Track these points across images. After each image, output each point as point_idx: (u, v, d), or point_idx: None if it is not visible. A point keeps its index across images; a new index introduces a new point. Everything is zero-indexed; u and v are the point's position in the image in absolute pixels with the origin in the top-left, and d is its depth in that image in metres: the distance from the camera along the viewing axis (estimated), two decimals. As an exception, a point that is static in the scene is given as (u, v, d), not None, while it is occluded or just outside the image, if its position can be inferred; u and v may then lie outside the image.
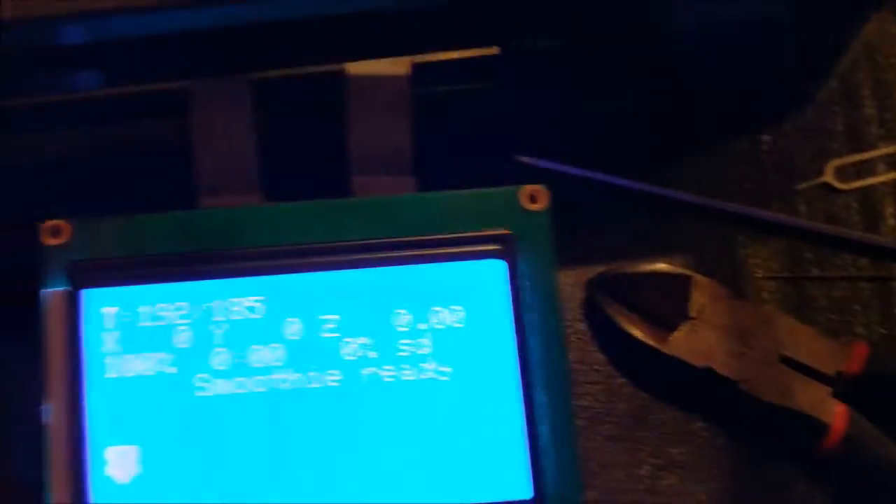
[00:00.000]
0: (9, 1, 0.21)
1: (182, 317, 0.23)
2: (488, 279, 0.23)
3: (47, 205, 0.25)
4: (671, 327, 0.25)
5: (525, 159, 0.28)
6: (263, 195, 0.26)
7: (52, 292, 0.23)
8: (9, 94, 0.25)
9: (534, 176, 0.27)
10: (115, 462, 0.22)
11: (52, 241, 0.24)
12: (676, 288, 0.26)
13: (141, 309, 0.23)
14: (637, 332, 0.25)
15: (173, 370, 0.23)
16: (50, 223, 0.24)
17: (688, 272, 0.26)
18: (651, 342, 0.25)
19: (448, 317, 0.23)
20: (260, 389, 0.23)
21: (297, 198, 0.25)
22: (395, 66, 0.26)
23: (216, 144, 0.25)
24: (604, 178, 0.27)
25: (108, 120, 0.27)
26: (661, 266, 0.26)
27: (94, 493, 0.22)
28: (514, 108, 0.28)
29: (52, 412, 0.23)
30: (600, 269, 0.27)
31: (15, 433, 0.25)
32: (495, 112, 0.28)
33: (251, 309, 0.23)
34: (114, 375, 0.23)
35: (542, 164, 0.28)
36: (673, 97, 0.28)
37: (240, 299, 0.23)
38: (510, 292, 0.23)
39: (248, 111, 0.26)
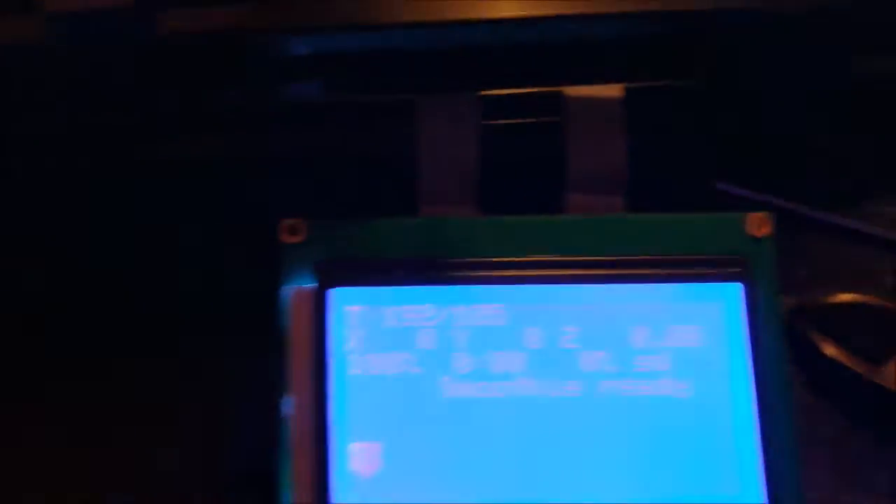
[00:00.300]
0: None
1: (426, 319, 0.24)
2: (726, 301, 0.24)
3: (278, 205, 0.26)
4: (876, 358, 0.26)
5: (724, 187, 0.29)
6: (479, 207, 0.27)
7: (299, 289, 0.24)
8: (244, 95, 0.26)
9: (727, 203, 0.28)
10: (358, 458, 0.23)
11: (290, 239, 0.25)
12: (880, 319, 0.27)
13: (386, 309, 0.24)
14: (845, 360, 0.26)
15: (417, 371, 0.23)
16: (288, 221, 0.25)
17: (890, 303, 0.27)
18: (860, 370, 0.26)
19: (685, 336, 0.24)
20: (500, 395, 0.23)
21: (509, 211, 0.26)
22: (609, 90, 0.27)
23: (440, 156, 0.26)
24: (806, 211, 0.28)
25: (335, 124, 0.27)
26: (861, 297, 0.27)
27: (337, 487, 0.23)
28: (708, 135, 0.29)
29: (294, 406, 0.23)
30: (797, 297, 0.28)
31: (241, 426, 0.26)
32: (691, 137, 0.29)
33: (493, 316, 0.24)
34: (358, 373, 0.23)
35: (739, 192, 0.29)
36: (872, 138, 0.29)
37: (482, 306, 0.24)
38: (747, 315, 0.24)
39: (474, 126, 0.26)
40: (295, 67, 0.26)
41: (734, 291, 0.24)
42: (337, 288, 0.24)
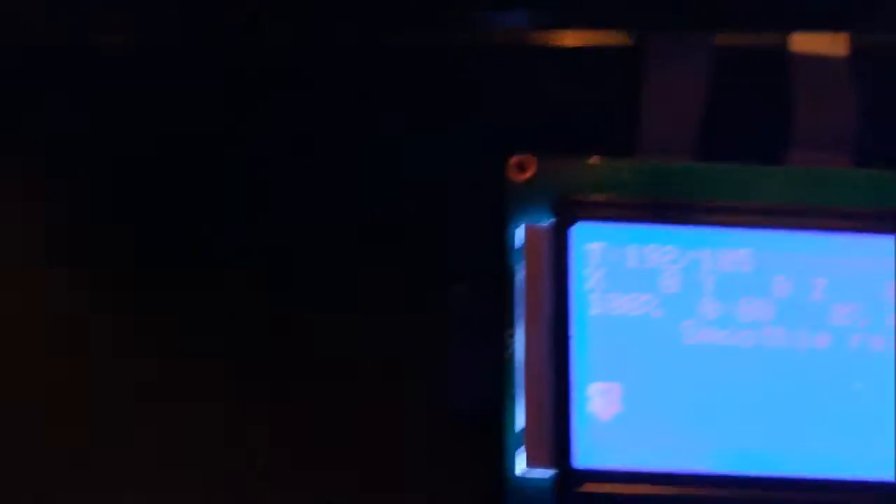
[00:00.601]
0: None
1: (670, 262, 0.23)
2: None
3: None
4: None
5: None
6: (696, 155, 0.26)
7: (533, 226, 0.23)
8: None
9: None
10: (597, 398, 0.22)
11: (518, 176, 0.24)
12: None
13: (628, 249, 0.23)
14: None
15: (659, 313, 0.22)
16: (517, 158, 0.24)
17: None
18: None
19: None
20: (747, 344, 0.22)
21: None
22: (836, 45, 0.26)
23: (665, 101, 0.26)
24: None
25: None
26: None
27: (576, 427, 0.22)
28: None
29: (527, 346, 0.22)
30: None
31: (462, 365, 0.25)
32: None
33: (740, 262, 0.23)
34: (598, 312, 0.23)
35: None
36: None
37: (729, 251, 0.23)
38: None
39: (704, 71, 0.26)
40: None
41: None
42: (579, 224, 0.23)
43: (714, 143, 0.25)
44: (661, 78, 0.25)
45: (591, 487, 0.22)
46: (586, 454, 0.22)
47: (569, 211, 0.23)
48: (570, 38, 0.27)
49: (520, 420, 0.22)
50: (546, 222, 0.23)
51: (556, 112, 0.26)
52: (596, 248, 0.23)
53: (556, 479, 0.22)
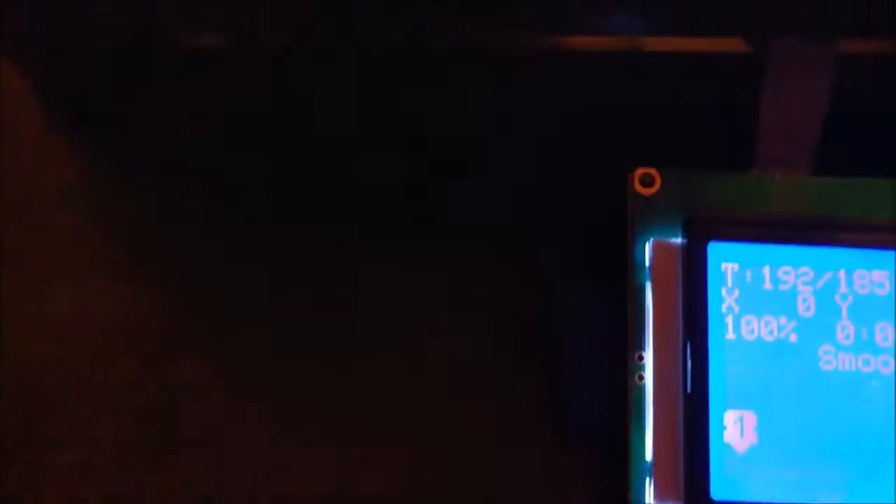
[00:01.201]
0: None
1: (805, 283, 0.22)
2: None
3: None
4: None
5: None
6: (813, 168, 0.25)
7: (666, 243, 0.22)
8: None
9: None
10: (732, 427, 0.21)
11: (644, 191, 0.23)
12: None
13: (762, 270, 0.22)
14: None
15: (794, 337, 0.22)
16: (642, 170, 0.23)
17: None
18: None
19: None
20: (886, 370, 0.22)
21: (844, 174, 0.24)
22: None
23: (785, 111, 0.24)
24: None
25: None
26: None
27: (713, 458, 0.21)
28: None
29: (655, 366, 0.22)
30: None
31: (580, 381, 0.24)
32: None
33: (879, 284, 0.22)
34: (733, 337, 0.22)
35: None
36: None
37: (867, 272, 0.22)
38: None
39: (828, 80, 0.25)
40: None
41: None
42: (714, 243, 0.22)
43: (836, 155, 0.25)
44: (783, 87, 0.24)
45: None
46: (722, 487, 0.21)
47: (702, 229, 0.22)
48: (690, 44, 0.25)
49: (648, 449, 0.21)
50: (675, 239, 0.22)
51: (675, 123, 0.25)
52: (730, 269, 0.22)
53: (690, 512, 0.21)
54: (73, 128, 0.26)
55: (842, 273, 0.22)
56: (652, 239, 0.22)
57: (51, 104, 0.26)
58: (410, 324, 0.24)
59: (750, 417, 0.21)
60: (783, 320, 0.22)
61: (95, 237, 0.25)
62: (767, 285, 0.22)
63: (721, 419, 0.21)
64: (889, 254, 0.22)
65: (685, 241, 0.22)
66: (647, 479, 0.21)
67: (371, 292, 0.24)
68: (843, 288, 0.22)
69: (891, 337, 0.22)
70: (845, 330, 0.22)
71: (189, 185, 0.25)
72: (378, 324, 0.24)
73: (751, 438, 0.21)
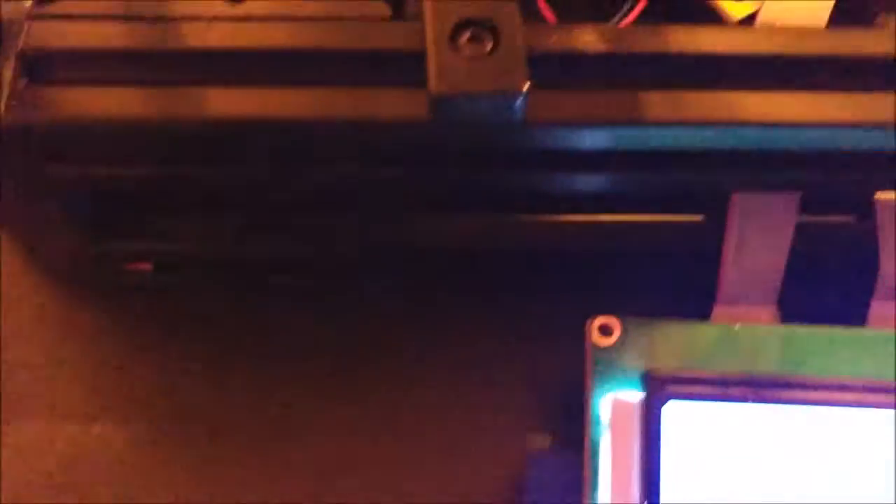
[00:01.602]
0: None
1: (767, 443, 0.22)
2: None
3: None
4: None
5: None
6: (778, 309, 0.25)
7: (623, 401, 0.22)
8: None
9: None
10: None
11: (602, 341, 0.23)
12: None
13: (724, 429, 0.22)
14: None
15: (757, 498, 0.21)
16: (600, 320, 0.23)
17: None
18: None
19: None
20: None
21: (809, 318, 0.24)
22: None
23: (747, 255, 0.25)
24: None
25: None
26: None
27: None
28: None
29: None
30: None
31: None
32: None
33: (845, 444, 0.22)
34: (691, 498, 0.21)
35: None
36: None
37: (834, 431, 0.22)
38: None
39: (789, 227, 0.25)
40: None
41: None
42: (672, 400, 0.22)
43: (800, 302, 0.25)
44: (745, 237, 0.24)
45: None
46: None
47: (661, 387, 0.22)
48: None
49: None
50: (634, 395, 0.22)
51: (637, 273, 0.25)
52: (689, 428, 0.22)
53: None
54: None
55: (808, 432, 0.22)
56: (609, 395, 0.22)
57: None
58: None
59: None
60: (743, 480, 0.22)
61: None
62: (728, 445, 0.22)
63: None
64: (857, 413, 0.22)
65: (643, 397, 0.22)
66: None
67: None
68: (808, 447, 0.22)
69: (861, 496, 0.22)
70: (810, 489, 0.22)
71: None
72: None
73: None
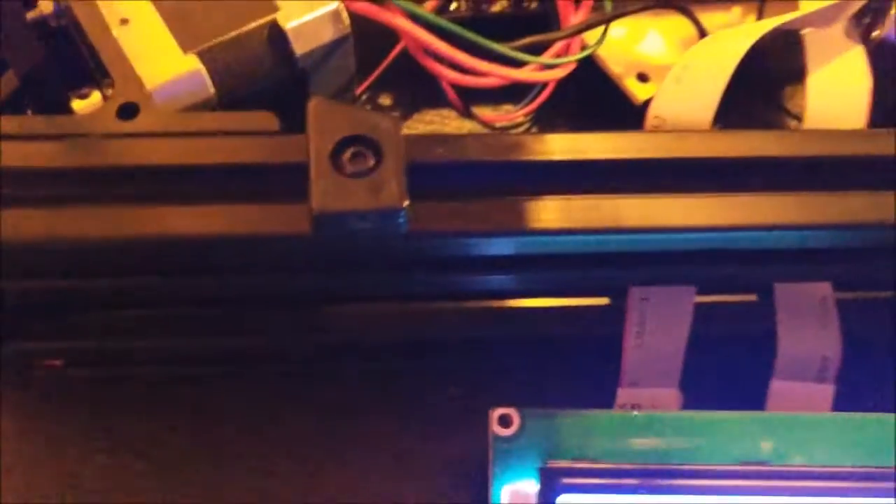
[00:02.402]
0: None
1: (657, 532, 0.22)
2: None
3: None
4: None
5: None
6: (680, 390, 0.26)
7: (520, 492, 0.23)
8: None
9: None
10: None
11: (502, 431, 0.23)
12: None
13: (615, 519, 0.22)
14: None
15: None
16: (500, 411, 0.24)
17: None
18: None
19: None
20: None
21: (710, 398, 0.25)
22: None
23: (649, 342, 0.25)
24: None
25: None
26: None
27: None
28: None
29: None
30: None
31: None
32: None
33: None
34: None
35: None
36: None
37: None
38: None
39: (688, 316, 0.25)
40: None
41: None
42: (565, 494, 0.22)
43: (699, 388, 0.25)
44: (644, 325, 0.25)
45: None
46: None
47: (555, 479, 0.22)
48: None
49: None
50: (532, 485, 0.23)
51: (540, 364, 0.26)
52: (581, 519, 0.22)
53: None
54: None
55: (696, 520, 0.22)
56: (508, 485, 0.23)
57: None
58: None
59: None
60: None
61: None
62: (622, 534, 0.22)
63: None
64: (744, 497, 0.23)
65: (538, 489, 0.22)
66: None
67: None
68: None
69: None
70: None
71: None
72: None
73: None
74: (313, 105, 0.20)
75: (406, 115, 0.30)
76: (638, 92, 0.29)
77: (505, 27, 0.29)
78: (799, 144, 0.23)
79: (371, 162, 0.20)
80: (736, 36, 0.25)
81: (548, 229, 0.21)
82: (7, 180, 0.20)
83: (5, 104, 0.24)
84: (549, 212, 0.21)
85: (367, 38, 0.26)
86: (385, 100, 0.31)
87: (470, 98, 0.29)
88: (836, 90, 0.25)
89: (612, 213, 0.21)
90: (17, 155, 0.20)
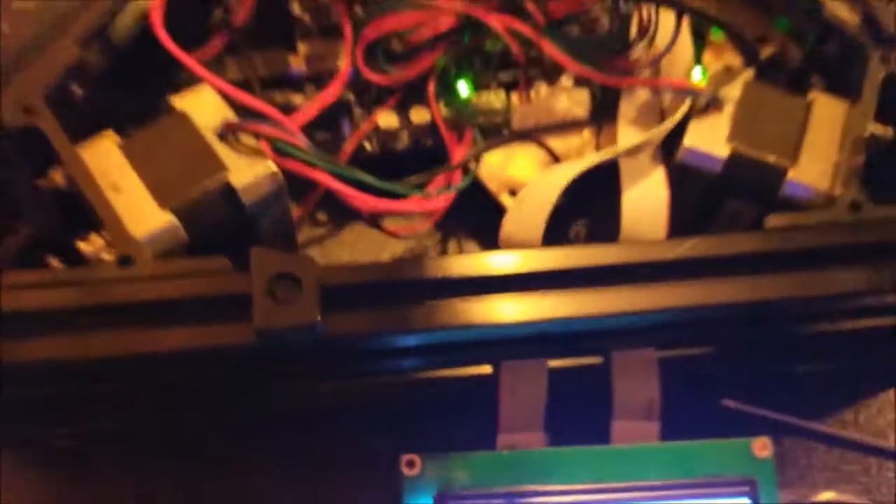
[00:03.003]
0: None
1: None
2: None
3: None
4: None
5: (731, 403, 0.37)
6: (545, 435, 0.34)
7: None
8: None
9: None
10: None
11: (409, 472, 0.32)
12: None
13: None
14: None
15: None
16: (407, 456, 0.32)
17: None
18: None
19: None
20: None
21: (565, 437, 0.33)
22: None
23: (519, 398, 0.34)
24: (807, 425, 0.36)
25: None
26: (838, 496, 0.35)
27: None
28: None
29: None
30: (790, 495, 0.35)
31: None
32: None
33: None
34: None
35: (748, 408, 0.36)
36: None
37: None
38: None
39: (544, 380, 0.34)
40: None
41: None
42: (452, 513, 0.31)
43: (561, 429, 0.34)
44: (511, 388, 0.34)
45: None
46: None
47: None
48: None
49: None
50: (429, 510, 0.31)
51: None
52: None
53: None
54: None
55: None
56: (411, 511, 0.31)
57: None
58: None
59: None
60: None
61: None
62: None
63: None
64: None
65: (434, 511, 0.31)
66: None
67: None
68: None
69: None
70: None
71: None
72: None
73: None
74: (253, 252, 0.29)
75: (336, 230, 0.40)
76: (508, 203, 0.38)
77: (409, 158, 0.38)
78: (614, 254, 0.32)
79: (295, 291, 0.28)
80: (561, 171, 0.34)
81: (432, 327, 0.30)
82: (33, 317, 0.29)
83: (24, 249, 0.32)
84: (432, 314, 0.30)
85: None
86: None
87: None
88: (643, 205, 0.34)
89: (480, 313, 0.30)
90: (42, 298, 0.29)
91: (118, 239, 0.31)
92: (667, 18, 0.36)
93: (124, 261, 0.30)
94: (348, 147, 0.38)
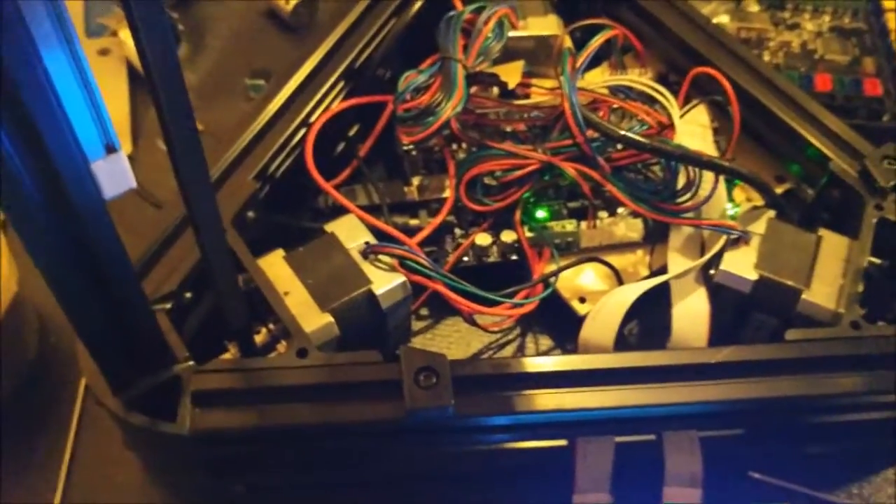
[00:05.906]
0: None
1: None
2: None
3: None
4: None
5: (757, 475, 0.45)
6: (611, 496, 0.43)
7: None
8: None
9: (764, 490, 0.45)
10: None
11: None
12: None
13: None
14: None
15: None
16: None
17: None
18: None
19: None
20: None
21: (627, 499, 0.42)
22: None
23: (590, 465, 0.43)
24: (820, 495, 0.45)
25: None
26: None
27: None
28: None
29: None
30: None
31: None
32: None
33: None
34: None
35: (771, 480, 0.45)
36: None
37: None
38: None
39: (610, 451, 0.43)
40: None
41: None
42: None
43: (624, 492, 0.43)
44: (586, 458, 0.43)
45: None
46: None
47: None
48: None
49: None
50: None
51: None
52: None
53: None
54: None
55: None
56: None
57: None
58: None
59: None
60: None
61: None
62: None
63: None
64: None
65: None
66: None
67: None
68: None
69: None
70: None
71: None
72: None
73: None
74: (403, 351, 0.38)
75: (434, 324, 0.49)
76: (579, 309, 0.48)
77: (498, 270, 0.48)
78: (668, 358, 0.41)
79: (433, 379, 0.38)
80: (626, 292, 0.43)
81: (533, 410, 0.39)
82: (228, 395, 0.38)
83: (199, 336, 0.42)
84: (534, 400, 0.39)
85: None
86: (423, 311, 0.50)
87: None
88: (689, 317, 0.44)
89: (568, 400, 0.39)
90: (239, 379, 0.38)
91: (296, 333, 0.40)
92: (707, 174, 0.46)
93: (301, 353, 0.39)
94: (451, 259, 0.48)
